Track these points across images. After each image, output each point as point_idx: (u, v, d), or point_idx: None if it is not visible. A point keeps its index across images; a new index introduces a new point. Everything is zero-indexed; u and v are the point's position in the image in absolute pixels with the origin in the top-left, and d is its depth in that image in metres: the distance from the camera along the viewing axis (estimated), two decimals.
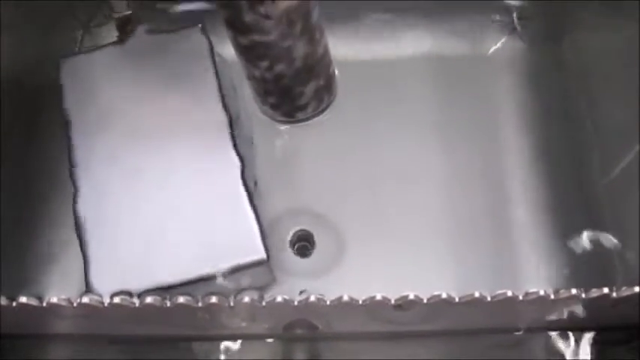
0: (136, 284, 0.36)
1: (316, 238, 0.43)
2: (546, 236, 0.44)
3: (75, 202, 0.39)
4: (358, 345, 0.37)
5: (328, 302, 0.28)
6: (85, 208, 0.39)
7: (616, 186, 0.42)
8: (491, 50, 0.49)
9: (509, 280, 0.43)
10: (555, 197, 0.45)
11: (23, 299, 0.28)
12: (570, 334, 0.37)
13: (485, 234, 0.44)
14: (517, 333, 0.37)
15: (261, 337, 0.37)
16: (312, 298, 0.28)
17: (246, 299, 0.28)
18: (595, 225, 0.42)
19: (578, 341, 0.37)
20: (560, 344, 0.37)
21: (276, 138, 0.46)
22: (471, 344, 0.37)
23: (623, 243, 0.41)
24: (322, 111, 0.44)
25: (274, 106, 0.43)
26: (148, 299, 0.28)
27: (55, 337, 0.34)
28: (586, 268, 0.43)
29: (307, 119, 0.44)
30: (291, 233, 0.43)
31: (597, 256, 0.42)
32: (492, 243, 0.44)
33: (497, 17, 0.49)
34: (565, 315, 0.34)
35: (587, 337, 0.37)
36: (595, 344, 0.37)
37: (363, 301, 0.28)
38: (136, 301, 0.28)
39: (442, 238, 0.44)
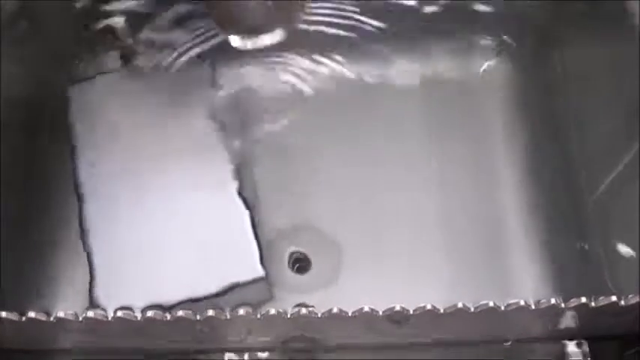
0: (140, 301, 0.38)
1: (313, 256, 0.45)
2: (539, 249, 0.45)
3: (81, 221, 0.41)
4: (356, 356, 0.38)
5: (319, 314, 0.29)
6: (91, 227, 0.41)
7: (602, 200, 0.43)
8: (481, 71, 0.50)
9: (506, 295, 0.44)
10: (546, 211, 0.46)
11: (32, 314, 0.29)
12: (561, 344, 0.38)
13: (480, 249, 0.45)
14: (506, 344, 0.38)
15: (261, 351, 0.38)
16: (304, 311, 0.29)
17: (242, 312, 0.29)
18: (584, 237, 0.44)
19: (568, 351, 0.38)
20: (551, 355, 0.38)
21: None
22: (465, 355, 0.38)
23: (611, 254, 0.42)
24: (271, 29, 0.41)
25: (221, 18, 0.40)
26: (149, 313, 0.29)
27: (63, 352, 0.36)
28: (576, 280, 0.44)
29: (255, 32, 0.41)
30: (289, 251, 0.45)
31: (587, 267, 0.44)
32: (488, 257, 0.45)
33: (487, 39, 0.50)
34: (552, 325, 0.35)
35: (578, 347, 0.38)
36: (588, 355, 0.37)
37: (353, 313, 0.29)
38: (138, 315, 0.29)
39: (440, 255, 0.45)
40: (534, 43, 0.50)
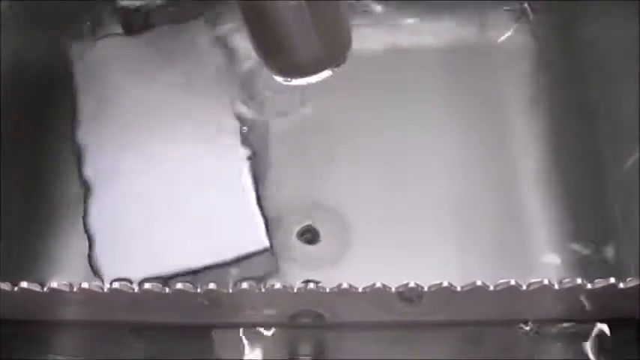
0: (141, 272, 0.37)
1: (322, 230, 0.43)
2: (556, 227, 0.43)
3: (83, 188, 0.41)
4: (365, 334, 0.37)
5: (327, 290, 0.28)
6: (92, 195, 0.40)
7: (627, 179, 0.42)
8: (501, 39, 0.49)
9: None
10: (566, 188, 0.44)
11: (24, 284, 0.29)
12: (580, 327, 0.36)
13: (497, 228, 0.43)
14: (524, 326, 0.37)
15: (266, 326, 0.37)
16: (311, 286, 0.28)
17: (245, 285, 0.28)
18: (604, 219, 0.42)
19: (588, 334, 0.37)
20: (570, 338, 0.37)
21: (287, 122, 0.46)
22: (479, 336, 0.37)
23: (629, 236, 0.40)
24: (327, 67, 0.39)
25: (271, 58, 0.38)
26: (147, 285, 0.28)
27: (57, 325, 0.35)
28: (596, 264, 0.42)
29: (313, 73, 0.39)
30: (298, 224, 0.43)
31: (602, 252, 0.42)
32: (505, 236, 0.43)
33: (508, 6, 0.49)
34: (573, 306, 0.34)
35: (598, 330, 0.36)
36: (607, 339, 0.36)
37: (363, 289, 0.28)
38: (135, 287, 0.28)
39: (452, 230, 0.43)
40: (556, 11, 0.48)
